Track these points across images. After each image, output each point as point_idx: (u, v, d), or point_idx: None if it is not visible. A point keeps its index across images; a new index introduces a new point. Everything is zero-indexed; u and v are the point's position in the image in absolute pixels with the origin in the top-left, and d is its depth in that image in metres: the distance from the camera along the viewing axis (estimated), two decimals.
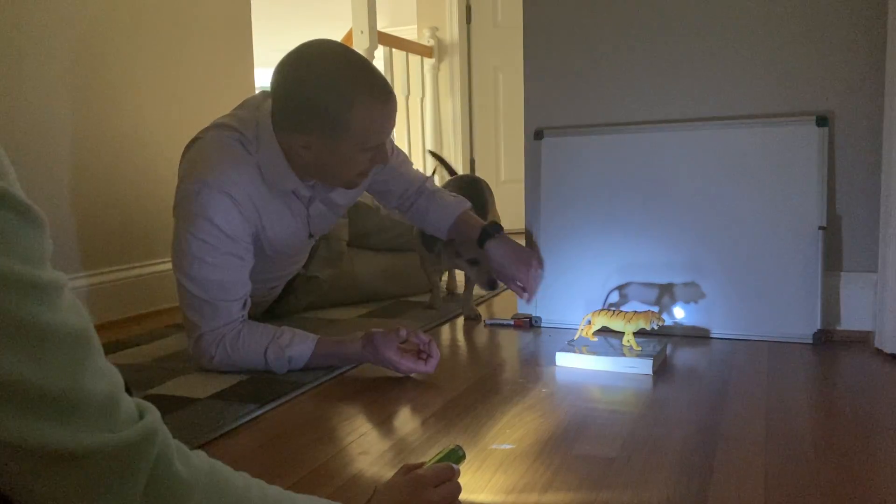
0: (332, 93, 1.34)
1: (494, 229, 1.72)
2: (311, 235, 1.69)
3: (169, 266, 1.50)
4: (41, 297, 0.48)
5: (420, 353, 1.39)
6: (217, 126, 1.49)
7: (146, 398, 0.57)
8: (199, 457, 0.58)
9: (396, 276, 2.20)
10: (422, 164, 4.16)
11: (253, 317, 1.52)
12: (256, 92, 1.63)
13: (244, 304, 1.46)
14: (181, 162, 1.50)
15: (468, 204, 1.82)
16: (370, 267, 2.17)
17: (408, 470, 0.83)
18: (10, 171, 0.49)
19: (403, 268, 2.20)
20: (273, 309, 1.95)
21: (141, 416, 0.54)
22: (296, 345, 1.42)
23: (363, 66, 1.39)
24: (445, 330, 1.87)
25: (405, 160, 1.82)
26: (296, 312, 2.00)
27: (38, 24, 1.84)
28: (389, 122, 1.43)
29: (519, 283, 1.71)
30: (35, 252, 0.49)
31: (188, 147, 1.51)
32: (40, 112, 1.86)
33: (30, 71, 1.83)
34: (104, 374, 0.52)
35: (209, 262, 1.39)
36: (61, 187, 1.93)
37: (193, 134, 1.52)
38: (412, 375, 1.41)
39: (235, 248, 1.42)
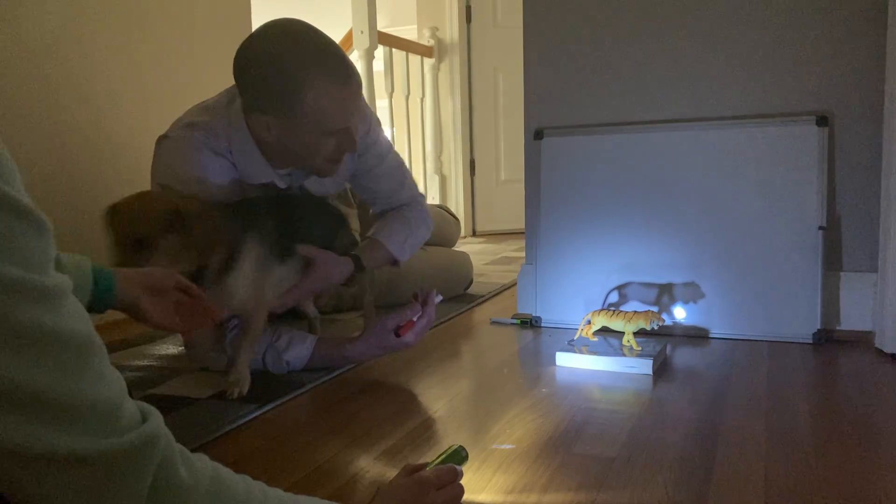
0: (284, 73, 1.30)
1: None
2: None
3: None
4: (43, 302, 0.48)
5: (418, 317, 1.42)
6: (186, 125, 1.45)
7: (146, 398, 0.57)
8: (202, 460, 0.58)
9: (420, 278, 2.09)
10: (421, 168, 4.16)
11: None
12: None
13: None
14: (153, 158, 1.46)
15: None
16: (386, 270, 2.09)
17: (410, 471, 0.83)
18: (15, 174, 0.49)
19: (430, 268, 2.13)
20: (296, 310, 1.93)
21: (144, 420, 0.54)
22: (294, 348, 1.42)
23: (322, 46, 1.33)
24: (445, 330, 1.87)
25: (402, 169, 1.71)
26: (323, 312, 1.99)
27: (34, 24, 1.84)
28: (350, 105, 1.36)
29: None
30: (38, 257, 0.49)
31: (158, 143, 1.46)
32: (38, 111, 1.86)
33: (28, 71, 1.83)
34: (107, 379, 0.52)
35: None
36: (62, 186, 1.93)
37: None
38: (410, 381, 1.41)
39: None
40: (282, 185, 1.51)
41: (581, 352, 1.48)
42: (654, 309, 1.67)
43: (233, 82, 1.43)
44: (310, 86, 1.30)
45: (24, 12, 1.80)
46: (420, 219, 1.69)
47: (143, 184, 1.49)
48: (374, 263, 1.61)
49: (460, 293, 2.28)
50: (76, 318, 0.51)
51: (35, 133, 1.85)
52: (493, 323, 1.89)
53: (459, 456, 0.89)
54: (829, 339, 1.61)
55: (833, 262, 1.64)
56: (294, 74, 1.29)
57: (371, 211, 1.87)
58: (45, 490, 0.49)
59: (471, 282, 2.34)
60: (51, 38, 1.88)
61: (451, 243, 2.45)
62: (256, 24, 2.64)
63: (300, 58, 1.30)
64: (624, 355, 1.44)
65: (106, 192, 2.04)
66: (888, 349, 1.48)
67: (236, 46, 1.32)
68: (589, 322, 1.53)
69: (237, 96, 1.44)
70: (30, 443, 0.47)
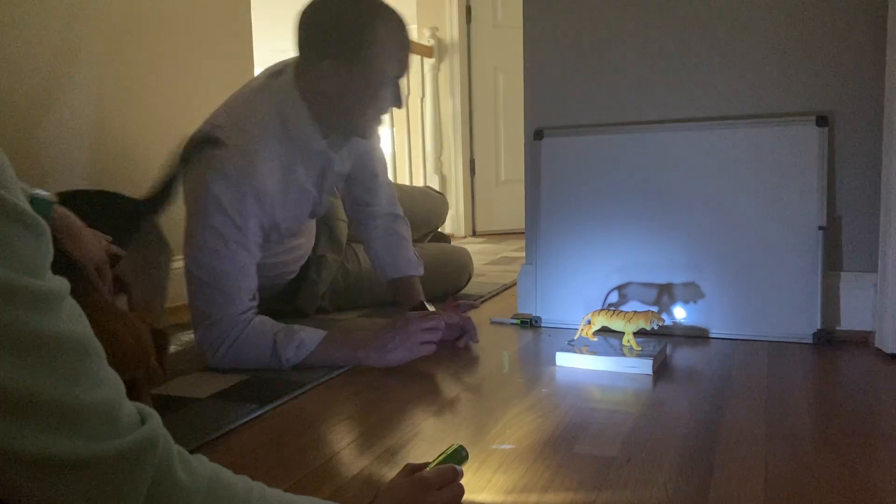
0: (353, 14, 1.42)
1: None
2: (313, 214, 1.72)
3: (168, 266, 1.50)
4: (40, 306, 0.48)
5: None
6: (236, 117, 1.49)
7: None
8: (201, 462, 0.58)
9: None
10: (421, 168, 4.16)
11: (269, 304, 1.55)
12: None
13: (253, 297, 1.48)
14: (205, 159, 1.48)
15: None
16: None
17: (411, 470, 0.83)
18: (12, 178, 0.49)
19: (428, 264, 2.08)
20: (294, 301, 1.96)
21: (142, 422, 0.54)
22: (306, 331, 1.46)
23: (383, 2, 1.47)
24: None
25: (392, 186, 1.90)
26: (316, 298, 2.00)
27: (39, 25, 1.84)
28: (406, 54, 1.48)
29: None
30: (35, 261, 0.49)
31: (211, 136, 1.47)
32: (40, 117, 1.86)
33: (25, 72, 1.83)
34: (104, 382, 0.52)
35: (221, 252, 1.41)
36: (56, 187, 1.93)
37: (193, 134, 1.52)
38: (410, 381, 1.41)
39: (245, 241, 1.44)
40: (330, 153, 1.59)
41: (581, 352, 1.48)
42: (654, 309, 1.67)
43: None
44: (378, 30, 1.42)
45: (29, 17, 1.81)
46: (408, 228, 1.88)
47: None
48: (421, 293, 1.80)
49: (460, 288, 2.28)
50: (73, 321, 0.51)
51: (42, 137, 1.85)
52: (493, 323, 1.89)
53: (459, 456, 0.89)
54: (829, 339, 1.61)
55: (833, 262, 1.64)
56: (364, 19, 1.41)
57: (355, 219, 1.90)
58: (43, 493, 0.49)
59: (470, 277, 2.33)
60: (58, 42, 1.88)
61: (441, 219, 2.51)
62: (257, 24, 2.65)
63: (369, 6, 1.43)
64: (624, 355, 1.44)
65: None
66: (888, 349, 1.48)
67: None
68: (589, 322, 1.53)
69: (275, 77, 1.53)
70: (27, 446, 0.47)
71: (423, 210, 2.34)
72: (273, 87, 1.51)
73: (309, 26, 1.45)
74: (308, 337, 1.45)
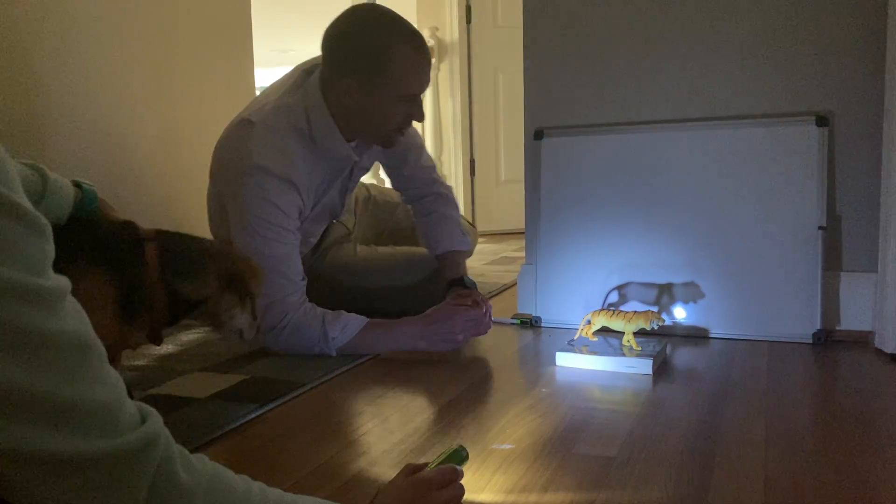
0: (372, 35, 1.48)
1: (470, 283, 1.78)
2: (333, 215, 1.79)
3: None
4: (42, 304, 0.48)
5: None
6: (270, 112, 1.56)
7: (146, 398, 0.58)
8: (201, 461, 0.58)
9: (401, 270, 1.95)
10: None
11: None
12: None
13: (302, 277, 1.56)
14: (231, 140, 1.57)
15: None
16: (369, 261, 1.96)
17: (412, 470, 0.83)
18: (14, 177, 0.49)
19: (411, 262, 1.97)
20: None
21: (143, 421, 0.54)
22: (351, 315, 1.53)
23: (403, 21, 1.53)
24: None
25: (431, 160, 1.93)
26: None
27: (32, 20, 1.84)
28: (425, 72, 1.53)
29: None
30: (36, 259, 0.49)
31: (241, 128, 1.55)
32: (40, 116, 1.86)
33: (27, 69, 1.83)
34: (105, 380, 0.52)
35: (270, 237, 1.50)
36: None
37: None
38: (410, 381, 1.41)
39: (289, 223, 1.53)
40: (355, 157, 1.66)
41: (581, 352, 1.48)
42: (654, 309, 1.67)
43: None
44: (395, 51, 1.47)
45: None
46: (453, 205, 1.90)
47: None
48: (463, 269, 1.83)
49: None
50: (74, 319, 0.51)
51: (61, 142, 1.85)
52: (494, 323, 1.89)
53: (460, 456, 0.89)
54: (828, 339, 1.61)
55: (833, 262, 1.64)
56: (383, 41, 1.48)
57: (404, 197, 1.95)
58: (44, 491, 0.49)
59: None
60: (56, 43, 1.88)
61: (470, 251, 2.42)
62: (257, 24, 2.65)
63: (388, 28, 1.50)
64: (624, 355, 1.44)
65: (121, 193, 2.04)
66: (888, 349, 1.48)
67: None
68: (589, 322, 1.53)
69: (307, 76, 1.60)
70: (28, 445, 0.47)
71: None
72: (302, 91, 1.58)
73: (332, 44, 1.51)
74: (354, 320, 1.53)
